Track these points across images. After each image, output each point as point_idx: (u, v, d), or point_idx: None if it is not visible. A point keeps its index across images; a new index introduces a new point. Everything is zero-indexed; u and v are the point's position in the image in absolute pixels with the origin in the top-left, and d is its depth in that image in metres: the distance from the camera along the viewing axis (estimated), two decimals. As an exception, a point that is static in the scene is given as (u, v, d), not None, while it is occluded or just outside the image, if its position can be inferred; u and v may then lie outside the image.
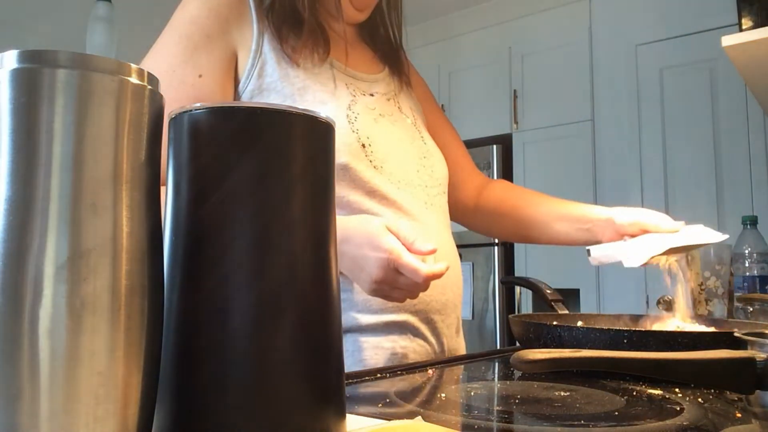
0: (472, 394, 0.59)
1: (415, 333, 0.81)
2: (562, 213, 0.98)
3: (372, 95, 0.88)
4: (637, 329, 0.69)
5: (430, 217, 0.85)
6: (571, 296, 2.70)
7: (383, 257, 0.64)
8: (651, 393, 0.56)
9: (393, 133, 0.86)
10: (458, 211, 1.09)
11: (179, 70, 0.76)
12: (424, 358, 0.81)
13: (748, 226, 1.42)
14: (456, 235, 0.97)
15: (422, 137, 0.93)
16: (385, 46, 0.98)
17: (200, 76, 0.77)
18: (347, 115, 0.81)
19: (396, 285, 0.66)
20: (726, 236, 0.82)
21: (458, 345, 0.90)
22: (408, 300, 0.75)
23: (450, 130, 1.10)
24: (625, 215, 0.89)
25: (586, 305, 2.69)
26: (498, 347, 2.80)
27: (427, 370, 0.69)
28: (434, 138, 1.00)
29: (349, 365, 0.75)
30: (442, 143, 1.01)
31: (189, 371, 0.32)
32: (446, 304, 0.84)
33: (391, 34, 0.99)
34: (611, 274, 2.66)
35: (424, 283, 0.64)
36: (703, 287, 1.26)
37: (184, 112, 0.34)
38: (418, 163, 0.88)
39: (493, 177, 2.82)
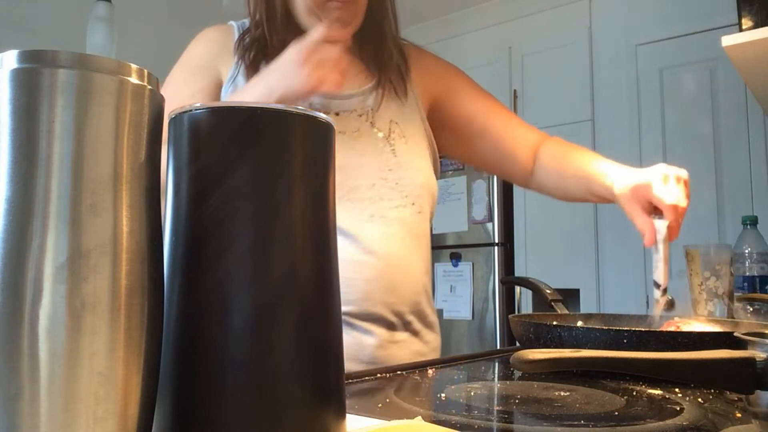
0: (472, 394, 0.59)
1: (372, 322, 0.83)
2: (588, 188, 0.97)
3: (337, 114, 0.90)
4: (637, 329, 0.69)
5: (374, 229, 0.85)
6: (571, 296, 2.70)
7: (294, 47, 0.79)
8: (651, 393, 0.56)
9: (352, 149, 0.88)
10: (517, 178, 1.10)
11: (178, 93, 0.91)
12: (395, 352, 0.83)
13: (748, 226, 1.42)
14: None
15: (393, 149, 0.91)
16: (376, 57, 0.97)
17: (192, 96, 0.91)
18: None
19: (316, 55, 0.78)
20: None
21: (431, 338, 0.92)
22: (363, 296, 0.82)
23: (490, 107, 1.07)
24: (622, 194, 0.89)
25: (586, 305, 2.68)
26: (498, 347, 2.80)
27: (427, 370, 0.69)
28: (476, 119, 1.03)
29: None
30: (485, 122, 1.03)
31: (189, 371, 0.32)
32: (401, 298, 0.86)
33: (384, 48, 0.97)
34: (611, 274, 2.66)
35: (328, 34, 0.78)
36: (703, 287, 1.26)
37: (184, 112, 0.34)
38: (378, 176, 0.88)
39: (493, 177, 2.82)
